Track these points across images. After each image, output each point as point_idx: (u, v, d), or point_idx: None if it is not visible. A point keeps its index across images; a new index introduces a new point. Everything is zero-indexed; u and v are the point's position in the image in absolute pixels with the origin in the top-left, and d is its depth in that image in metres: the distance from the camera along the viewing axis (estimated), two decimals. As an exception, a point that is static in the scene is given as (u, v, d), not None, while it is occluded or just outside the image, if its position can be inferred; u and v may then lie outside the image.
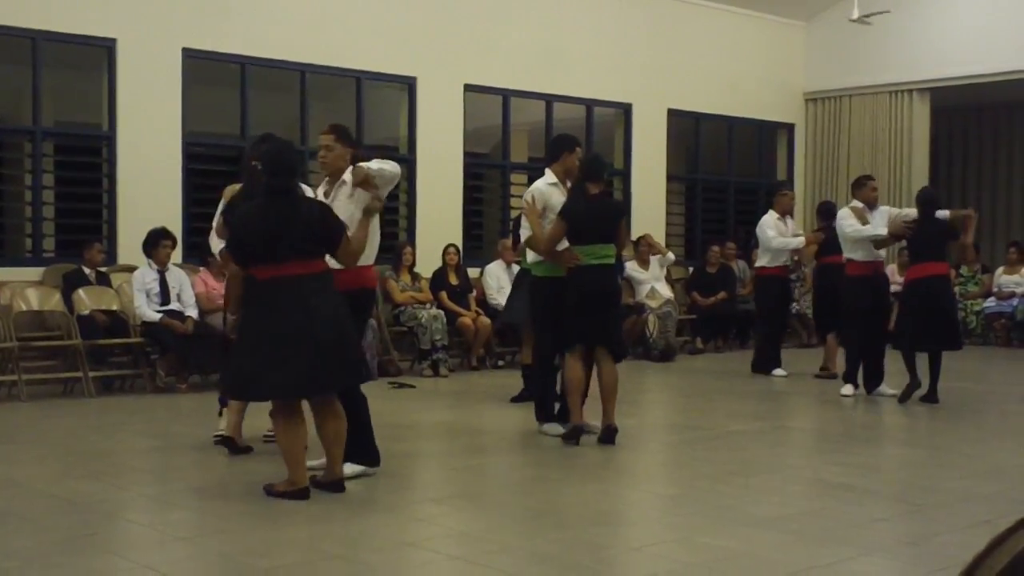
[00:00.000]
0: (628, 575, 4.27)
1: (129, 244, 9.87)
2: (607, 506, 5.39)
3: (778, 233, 10.64)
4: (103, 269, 9.69)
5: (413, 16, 11.86)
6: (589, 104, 13.43)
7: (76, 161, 10.84)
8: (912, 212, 9.11)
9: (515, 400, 8.58)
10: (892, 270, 12.11)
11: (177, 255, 9.73)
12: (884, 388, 9.03)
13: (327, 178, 5.92)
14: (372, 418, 5.79)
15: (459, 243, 11.66)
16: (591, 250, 6.76)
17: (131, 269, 9.66)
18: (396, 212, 11.88)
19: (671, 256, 12.73)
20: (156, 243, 9.31)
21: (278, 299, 5.15)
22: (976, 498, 5.42)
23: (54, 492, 5.43)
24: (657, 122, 14.11)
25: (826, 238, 10.25)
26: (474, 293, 11.32)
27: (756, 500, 5.37)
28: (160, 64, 10.29)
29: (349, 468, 5.53)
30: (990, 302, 13.81)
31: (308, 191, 6.04)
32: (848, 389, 9.05)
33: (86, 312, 9.18)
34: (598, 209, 6.83)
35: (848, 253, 9.16)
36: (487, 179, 13.73)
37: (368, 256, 5.74)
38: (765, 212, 11.20)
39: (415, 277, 11.12)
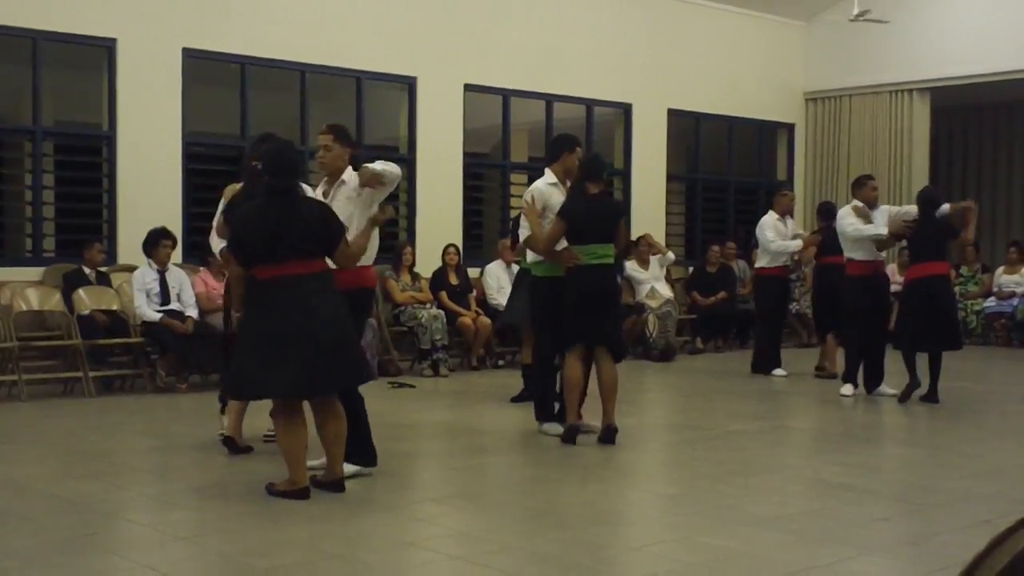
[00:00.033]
0: (628, 575, 4.27)
1: (129, 244, 9.87)
2: (607, 506, 5.39)
3: (777, 234, 10.65)
4: (103, 269, 9.69)
5: (413, 16, 11.86)
6: (589, 104, 13.43)
7: (76, 161, 10.84)
8: (911, 209, 9.11)
9: (515, 400, 8.58)
10: (892, 270, 12.11)
11: (177, 255, 9.73)
12: (884, 388, 9.03)
13: (326, 178, 5.92)
14: (372, 418, 5.79)
15: (459, 243, 11.66)
16: (590, 250, 6.76)
17: (131, 269, 9.66)
18: (396, 212, 11.88)
19: (671, 256, 12.73)
20: (156, 243, 9.31)
21: (278, 299, 5.15)
22: (976, 498, 5.42)
23: (54, 492, 5.43)
24: (657, 122, 14.11)
25: (825, 238, 10.25)
26: (474, 293, 11.32)
27: (756, 500, 5.38)
28: (160, 64, 10.29)
29: (345, 468, 5.52)
30: (990, 302, 13.81)
31: (308, 191, 6.04)
32: (848, 389, 9.05)
33: (86, 312, 9.18)
34: (597, 209, 6.82)
35: (848, 253, 9.15)
36: (487, 179, 13.73)
37: (368, 256, 5.74)
38: (765, 212, 11.21)
39: (415, 277, 11.12)
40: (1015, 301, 13.59)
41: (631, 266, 12.29)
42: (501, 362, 11.40)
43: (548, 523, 4.90)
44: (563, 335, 6.87)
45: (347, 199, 5.73)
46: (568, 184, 7.06)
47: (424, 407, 8.80)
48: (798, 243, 10.73)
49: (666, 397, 10.03)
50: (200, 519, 5.05)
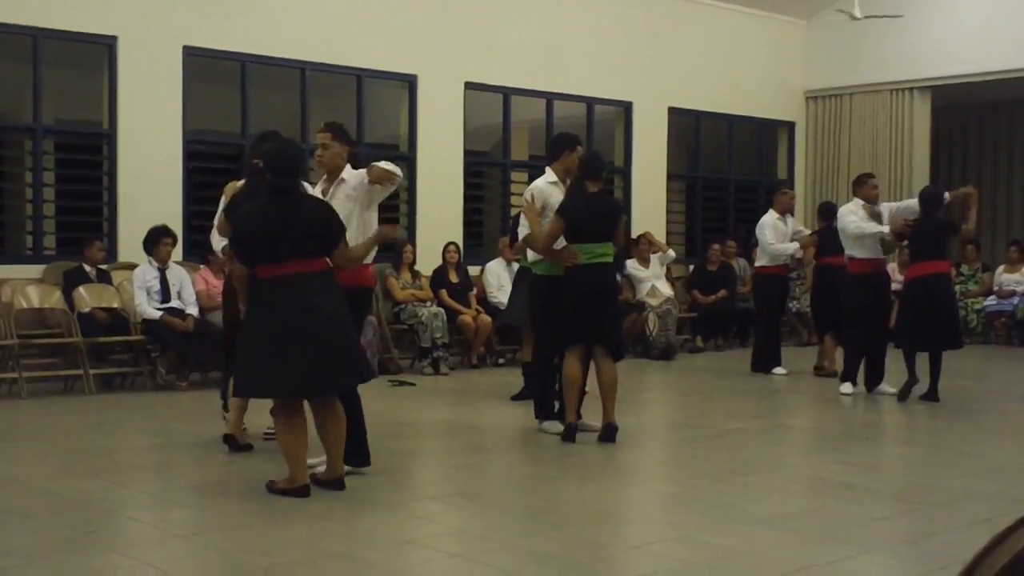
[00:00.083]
0: (628, 573, 4.28)
1: (130, 242, 9.88)
2: (607, 504, 5.39)
3: (777, 234, 10.66)
4: (104, 267, 9.69)
5: (414, 14, 11.85)
6: (589, 102, 13.43)
7: (77, 159, 10.83)
8: (911, 203, 9.12)
9: (515, 398, 8.58)
10: (893, 268, 12.11)
11: (178, 253, 9.73)
12: (884, 387, 9.03)
13: (325, 176, 5.93)
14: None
15: (459, 241, 11.67)
16: (589, 249, 6.75)
17: (132, 267, 9.66)
18: (396, 210, 11.88)
19: (671, 254, 12.73)
20: (157, 241, 9.31)
21: (279, 298, 5.15)
22: (976, 496, 5.42)
23: (55, 490, 5.43)
24: (658, 120, 14.10)
25: (825, 238, 10.25)
26: (474, 291, 11.32)
27: (756, 498, 5.38)
28: (161, 62, 10.29)
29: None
30: (991, 300, 13.81)
31: (308, 189, 6.03)
32: (847, 388, 9.05)
33: (87, 310, 9.18)
34: (596, 207, 6.82)
35: (850, 251, 9.15)
36: (487, 177, 13.73)
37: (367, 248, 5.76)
38: (765, 211, 11.22)
39: (415, 275, 11.12)
40: (1015, 300, 13.60)
41: (632, 264, 12.29)
42: (501, 360, 11.40)
43: (548, 521, 4.91)
44: (562, 334, 6.87)
45: (346, 197, 5.73)
46: (568, 183, 7.06)
47: (424, 405, 8.80)
48: (795, 246, 10.74)
49: (666, 396, 10.03)
50: (200, 517, 5.06)
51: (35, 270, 9.72)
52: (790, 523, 4.82)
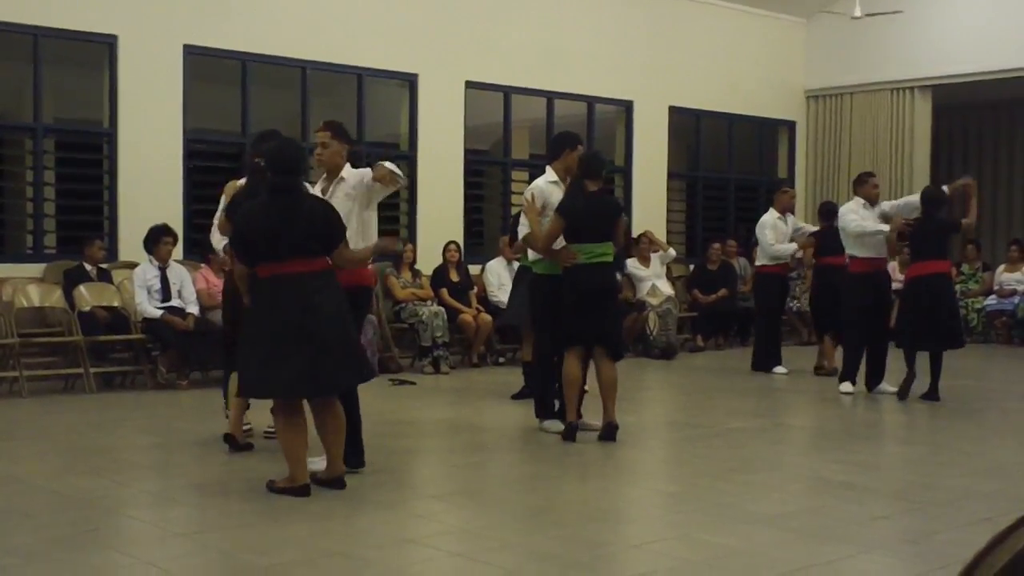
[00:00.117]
0: (628, 572, 4.27)
1: (130, 240, 9.88)
2: (607, 503, 5.39)
3: (777, 233, 10.67)
4: (104, 266, 9.69)
5: (414, 13, 11.85)
6: (590, 101, 13.42)
7: (77, 158, 10.83)
8: (911, 199, 9.13)
9: (516, 397, 8.58)
10: (893, 268, 12.10)
11: (178, 251, 9.74)
12: (885, 386, 9.02)
13: (325, 175, 5.93)
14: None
15: (460, 240, 11.67)
16: (588, 249, 6.75)
17: (132, 265, 9.66)
18: (397, 209, 11.89)
19: (672, 252, 12.74)
20: (157, 240, 9.32)
21: (280, 297, 5.15)
22: (976, 496, 5.42)
23: (55, 488, 5.44)
24: (658, 119, 14.10)
25: (826, 238, 10.24)
26: (475, 290, 11.32)
27: (756, 497, 5.38)
28: (161, 61, 10.29)
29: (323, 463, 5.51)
30: (991, 300, 13.81)
31: (308, 188, 6.04)
32: (847, 387, 9.04)
33: (87, 308, 9.18)
34: (595, 207, 6.81)
35: (850, 250, 9.15)
36: (488, 176, 13.73)
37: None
38: (766, 210, 11.21)
39: (416, 274, 11.12)
40: (1016, 299, 13.59)
41: (632, 263, 12.29)
42: (502, 359, 11.40)
43: (548, 520, 4.91)
44: (562, 335, 6.86)
45: (346, 196, 5.74)
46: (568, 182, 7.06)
47: (425, 404, 8.80)
48: (792, 247, 10.75)
49: (666, 395, 10.03)
50: (201, 516, 5.06)
51: (36, 269, 9.72)
52: (790, 522, 4.82)
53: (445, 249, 11.22)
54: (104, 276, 9.59)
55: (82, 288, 9.26)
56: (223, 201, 6.43)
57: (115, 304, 9.38)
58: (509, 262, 11.02)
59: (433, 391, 9.59)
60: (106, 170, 10.26)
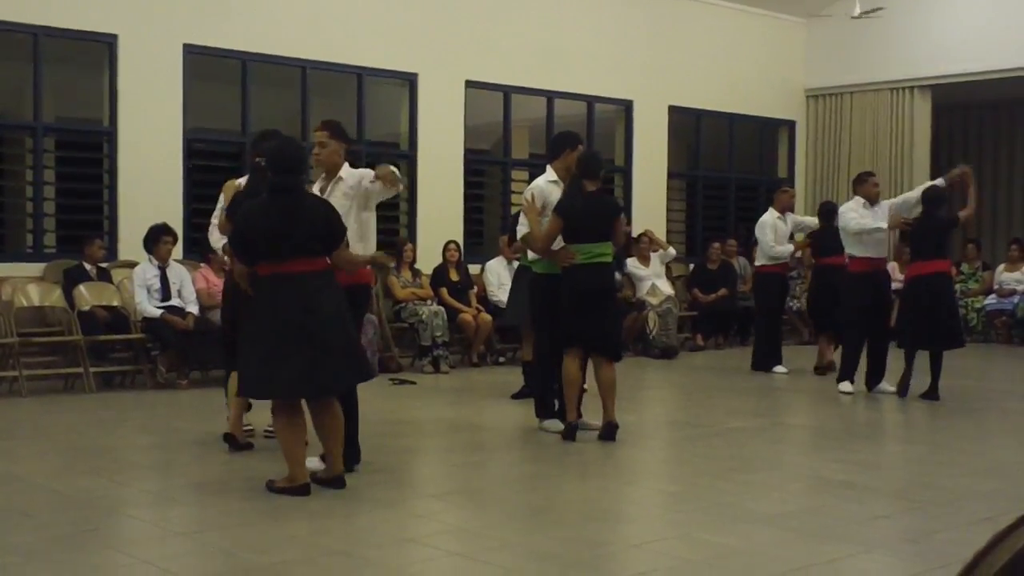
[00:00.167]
0: (628, 571, 4.27)
1: (130, 240, 9.88)
2: (607, 503, 5.39)
3: (776, 233, 10.67)
4: (104, 265, 9.69)
5: (414, 13, 11.85)
6: (590, 101, 13.42)
7: (77, 157, 10.82)
8: (911, 196, 9.13)
9: (516, 397, 8.58)
10: (893, 267, 12.11)
11: (178, 251, 9.73)
12: (885, 385, 9.02)
13: (323, 174, 5.93)
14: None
15: (460, 240, 11.67)
16: (586, 249, 6.74)
17: (132, 265, 9.66)
18: (397, 208, 11.88)
19: (672, 252, 12.74)
20: (157, 239, 9.32)
21: (280, 296, 5.15)
22: (976, 495, 5.42)
23: (55, 488, 5.44)
24: (658, 119, 14.10)
25: (825, 238, 10.24)
26: (475, 290, 11.33)
27: (756, 497, 5.38)
28: (161, 60, 10.29)
29: (319, 463, 5.51)
30: (991, 299, 13.81)
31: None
32: (847, 386, 9.04)
33: (87, 308, 9.18)
34: (594, 206, 6.80)
35: (850, 249, 9.15)
36: (488, 175, 13.73)
37: (366, 252, 5.75)
38: (766, 209, 11.22)
39: (416, 273, 11.12)
40: (1016, 299, 13.59)
41: (632, 263, 12.30)
42: (502, 359, 11.40)
43: (548, 520, 4.91)
44: (561, 335, 6.86)
45: (344, 195, 5.74)
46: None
47: (424, 404, 8.80)
48: (790, 248, 10.76)
49: (666, 394, 10.03)
50: (201, 515, 5.06)
51: (35, 268, 9.72)
52: (790, 521, 4.82)
53: (445, 249, 11.22)
54: (104, 275, 9.59)
55: (82, 287, 9.26)
56: (222, 200, 6.43)
57: (115, 304, 9.38)
58: (509, 262, 11.02)
59: (433, 391, 9.59)
60: (106, 169, 10.26)
